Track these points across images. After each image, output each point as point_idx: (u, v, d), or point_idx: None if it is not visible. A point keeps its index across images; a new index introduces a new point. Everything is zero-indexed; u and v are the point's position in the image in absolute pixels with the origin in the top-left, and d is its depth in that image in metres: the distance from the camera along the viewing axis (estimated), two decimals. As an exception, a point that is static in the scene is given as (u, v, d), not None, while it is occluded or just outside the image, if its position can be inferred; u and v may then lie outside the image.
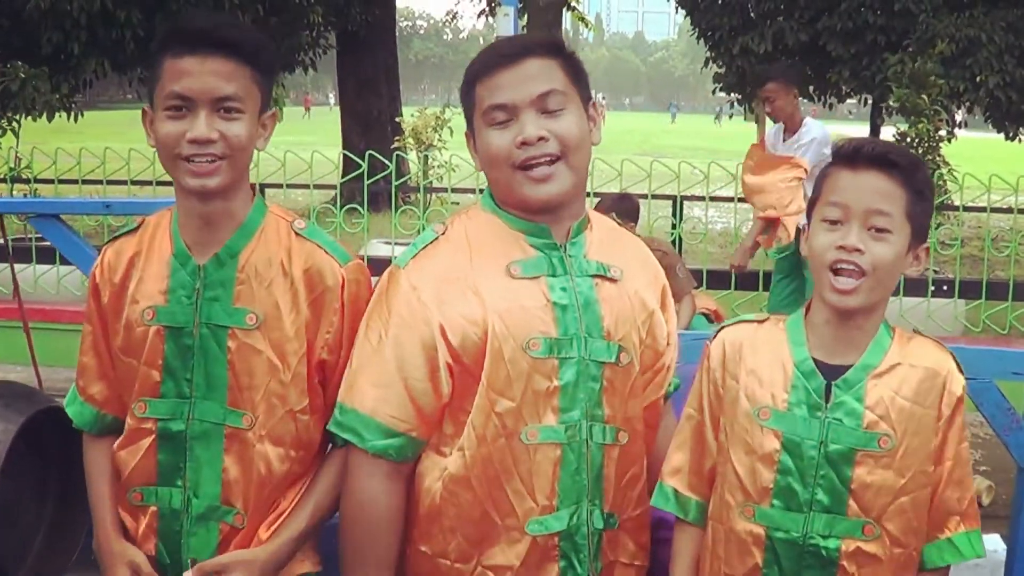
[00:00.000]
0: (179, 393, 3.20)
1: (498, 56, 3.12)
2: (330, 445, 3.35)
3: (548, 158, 3.04)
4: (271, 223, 3.27)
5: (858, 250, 2.93)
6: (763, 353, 3.14)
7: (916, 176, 3.00)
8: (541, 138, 3.03)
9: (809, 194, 3.20)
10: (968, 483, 3.15)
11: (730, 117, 31.19)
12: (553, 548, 3.12)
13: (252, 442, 3.20)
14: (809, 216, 3.10)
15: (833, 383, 3.04)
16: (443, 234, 3.20)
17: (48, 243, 5.38)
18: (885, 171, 2.96)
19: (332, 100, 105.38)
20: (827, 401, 3.03)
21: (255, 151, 3.23)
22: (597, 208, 8.30)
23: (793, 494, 3.03)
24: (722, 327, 3.29)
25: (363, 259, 3.40)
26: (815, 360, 3.08)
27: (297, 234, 3.27)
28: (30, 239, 12.12)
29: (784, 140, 9.69)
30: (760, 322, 3.23)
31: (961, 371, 3.11)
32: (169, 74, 3.08)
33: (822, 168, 3.13)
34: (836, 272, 2.96)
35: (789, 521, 3.03)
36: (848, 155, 3.01)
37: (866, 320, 3.05)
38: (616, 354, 3.14)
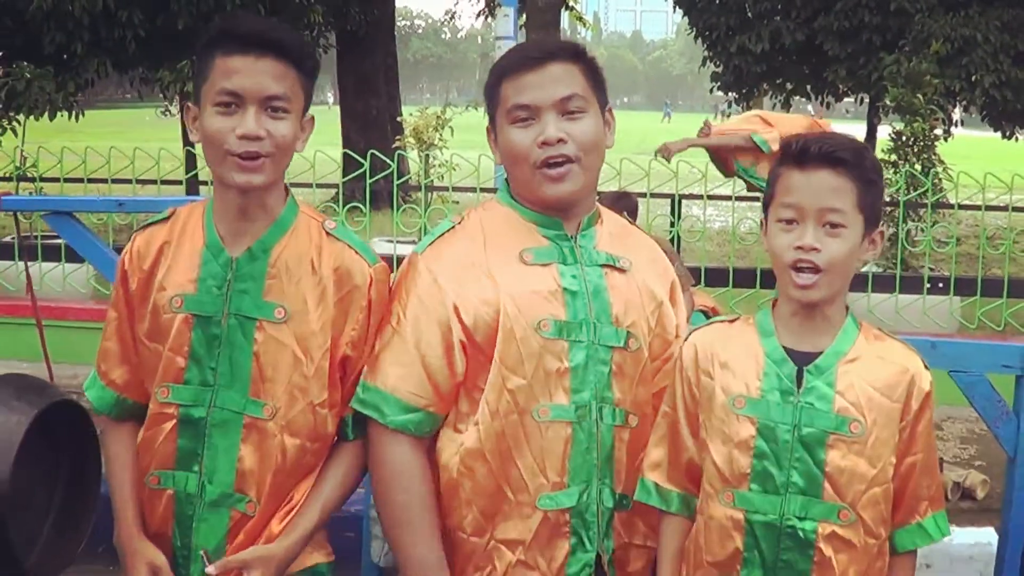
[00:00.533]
0: (203, 380, 3.27)
1: (524, 57, 3.27)
2: (337, 438, 3.43)
3: (565, 158, 3.19)
4: (303, 222, 3.37)
5: (815, 248, 3.06)
6: (735, 346, 3.26)
7: (863, 166, 3.12)
8: (560, 139, 3.19)
9: None
10: (935, 470, 3.30)
11: (727, 116, 31.19)
12: (564, 524, 3.23)
13: (272, 432, 3.27)
14: (765, 213, 3.23)
15: (805, 368, 3.16)
16: (459, 224, 3.35)
17: (54, 241, 5.45)
18: (833, 168, 3.08)
19: (331, 99, 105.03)
20: (799, 386, 3.15)
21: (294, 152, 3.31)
22: (595, 206, 8.37)
23: (769, 477, 3.13)
24: (692, 330, 3.40)
25: (388, 267, 3.49)
26: (785, 348, 3.20)
27: (328, 233, 3.37)
28: (36, 237, 12.15)
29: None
30: (731, 321, 3.37)
31: (927, 368, 3.26)
32: (220, 71, 3.16)
33: (773, 167, 3.25)
34: (797, 269, 3.09)
35: (767, 504, 3.14)
36: (796, 155, 3.12)
37: (829, 308, 3.19)
38: (625, 339, 3.27)
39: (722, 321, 3.39)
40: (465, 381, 3.24)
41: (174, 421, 3.31)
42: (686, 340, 3.35)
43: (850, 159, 3.09)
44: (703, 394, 3.26)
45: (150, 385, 3.36)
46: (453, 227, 3.36)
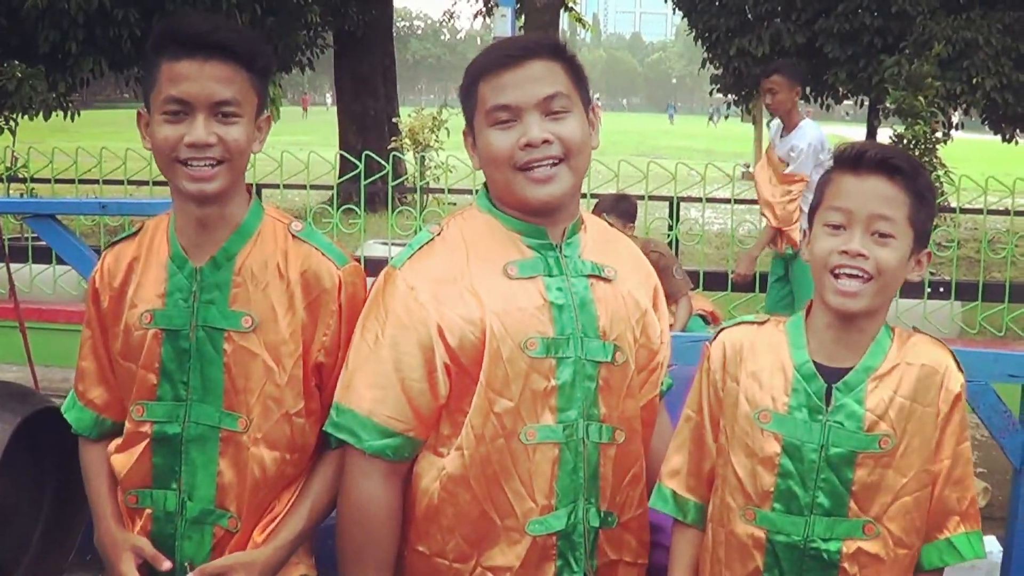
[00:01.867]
0: (175, 396, 3.19)
1: (503, 56, 3.10)
2: (320, 446, 3.34)
3: (551, 160, 3.04)
4: (268, 225, 3.26)
5: (861, 255, 2.92)
6: (763, 355, 3.13)
7: (918, 181, 2.98)
8: (545, 141, 3.03)
9: (810, 200, 3.18)
10: (969, 483, 3.13)
11: (726, 118, 31.16)
12: (551, 547, 3.11)
13: (247, 445, 3.19)
14: (811, 221, 3.09)
15: (834, 386, 3.03)
16: (439, 235, 3.19)
17: (44, 243, 5.38)
18: (888, 176, 2.94)
19: (330, 100, 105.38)
20: (827, 404, 3.02)
21: (251, 154, 3.23)
22: (595, 209, 8.32)
23: (794, 497, 3.02)
24: (722, 328, 3.28)
25: (359, 260, 3.39)
26: (815, 363, 3.06)
27: (294, 236, 3.26)
28: (26, 239, 12.11)
29: (781, 136, 9.70)
30: (760, 324, 3.22)
31: (960, 369, 3.09)
32: (166, 78, 3.06)
33: (824, 173, 3.11)
34: (837, 276, 2.94)
35: (790, 524, 3.03)
36: (851, 160, 2.99)
37: (868, 323, 3.03)
38: (612, 353, 3.14)
39: (751, 322, 3.25)
40: (448, 403, 3.10)
41: (148, 440, 3.23)
42: (714, 339, 3.24)
43: (906, 169, 2.96)
44: (727, 398, 3.15)
45: (128, 404, 3.28)
46: (432, 239, 3.19)
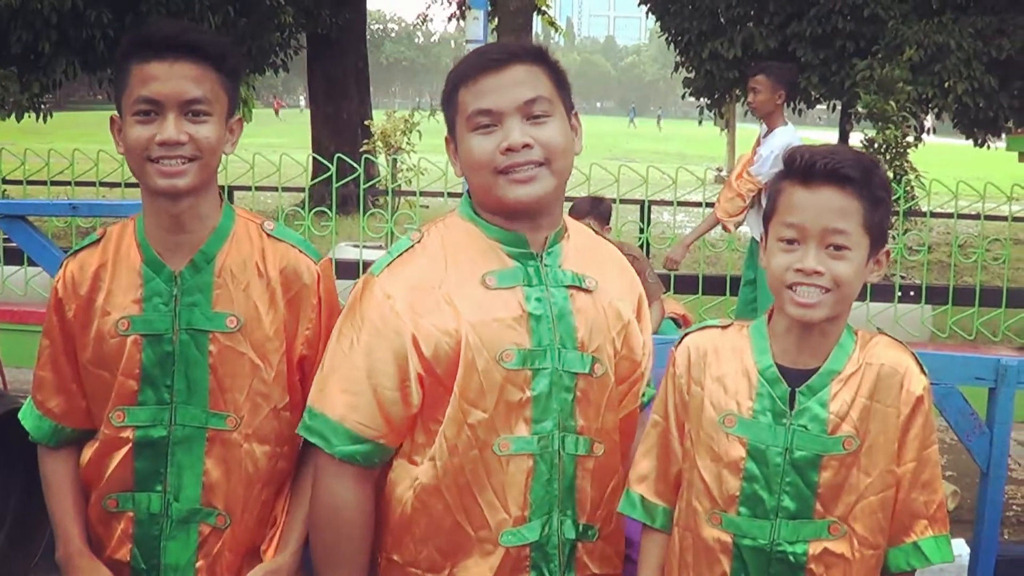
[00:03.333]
0: (159, 400, 3.21)
1: (484, 61, 3.10)
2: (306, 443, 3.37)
3: (532, 164, 3.04)
4: (241, 226, 3.30)
5: (817, 272, 2.91)
6: (727, 360, 3.13)
7: (871, 184, 2.96)
8: (526, 145, 3.02)
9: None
10: (937, 487, 3.13)
11: (700, 123, 31.26)
12: (525, 559, 3.12)
13: (238, 442, 3.24)
14: (766, 228, 3.08)
15: (797, 390, 3.03)
16: (419, 242, 3.18)
17: (16, 244, 5.37)
18: (839, 186, 2.92)
19: (303, 102, 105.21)
20: (791, 408, 3.02)
21: (223, 155, 3.25)
22: (571, 211, 8.33)
23: (759, 501, 3.03)
24: (687, 333, 3.28)
25: (331, 261, 3.41)
26: (779, 366, 3.07)
27: (268, 235, 3.31)
28: (-2, 240, 12.07)
29: (764, 137, 9.72)
30: (724, 328, 3.22)
31: (924, 372, 3.10)
32: (137, 79, 3.10)
33: (775, 181, 3.09)
34: (794, 289, 2.94)
35: (756, 528, 3.03)
36: (801, 172, 2.97)
37: (829, 327, 3.04)
38: (590, 365, 3.14)
39: (715, 327, 3.24)
40: (422, 412, 3.10)
41: (130, 445, 3.24)
42: (679, 344, 3.24)
43: (858, 177, 2.93)
44: (692, 402, 3.15)
45: (98, 411, 3.29)
46: (412, 246, 3.18)
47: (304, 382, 3.32)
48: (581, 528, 3.19)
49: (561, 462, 3.12)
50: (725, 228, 9.83)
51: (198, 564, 3.27)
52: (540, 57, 3.15)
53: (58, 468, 3.38)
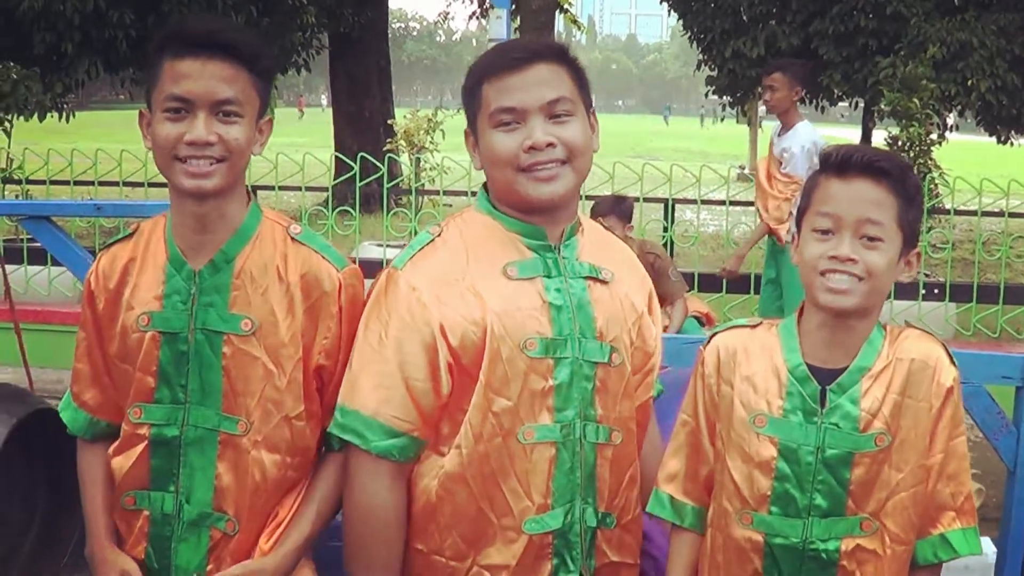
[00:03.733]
0: (174, 399, 3.20)
1: (508, 59, 3.13)
2: (323, 449, 3.36)
3: (554, 163, 3.07)
4: (267, 228, 3.28)
5: (851, 259, 2.92)
6: (757, 359, 3.13)
7: (906, 182, 2.99)
8: (549, 144, 3.06)
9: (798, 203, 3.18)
10: (964, 479, 3.14)
11: (721, 120, 31.14)
12: (547, 546, 3.13)
13: (246, 448, 3.20)
14: (799, 224, 3.09)
15: (828, 388, 3.03)
16: (439, 236, 3.20)
17: (40, 244, 5.38)
18: (875, 179, 2.95)
19: (325, 101, 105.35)
20: (822, 406, 3.02)
21: (251, 155, 3.23)
22: (594, 210, 8.33)
23: (791, 500, 3.03)
24: (715, 332, 3.28)
25: (355, 261, 3.40)
26: (808, 365, 3.07)
27: (293, 239, 3.28)
28: (21, 240, 12.09)
29: (779, 135, 9.71)
30: (753, 327, 3.22)
31: (953, 362, 3.10)
32: (169, 76, 3.08)
33: (810, 176, 3.11)
34: (826, 275, 2.95)
35: (788, 527, 3.04)
36: (837, 164, 2.99)
37: (860, 323, 3.04)
38: (608, 354, 3.17)
39: (744, 326, 3.25)
40: (448, 403, 3.12)
41: (146, 442, 3.23)
42: (707, 344, 3.25)
43: (894, 172, 2.97)
44: (722, 402, 3.16)
45: (125, 406, 3.28)
46: (432, 240, 3.20)
47: (322, 392, 3.30)
48: (600, 516, 3.21)
49: (582, 450, 3.14)
50: (777, 237, 9.66)
51: (208, 568, 3.25)
52: (562, 56, 3.18)
53: (92, 462, 3.38)
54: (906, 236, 3.00)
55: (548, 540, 3.13)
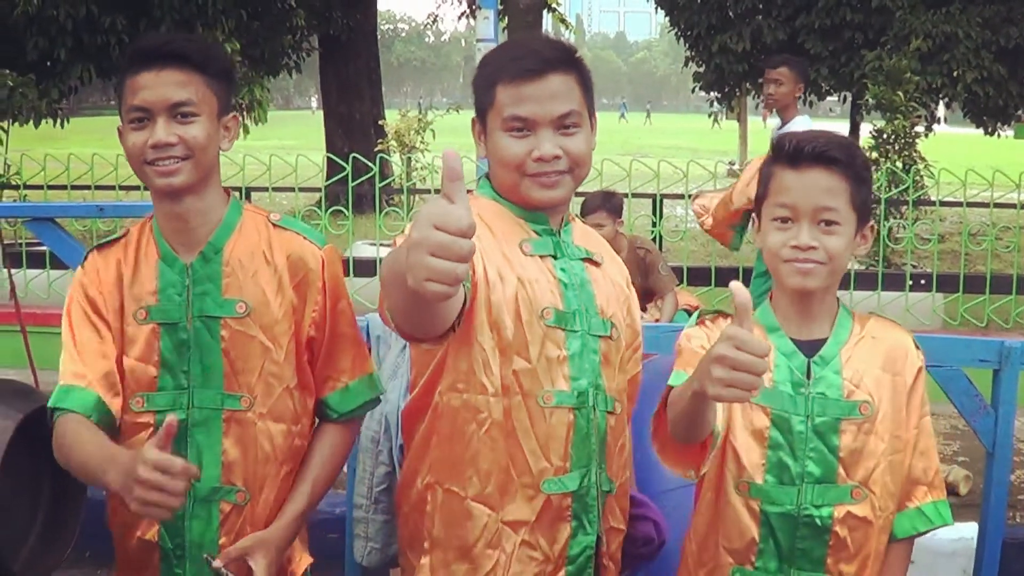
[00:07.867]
0: (177, 385, 3.35)
1: (523, 69, 3.21)
2: (317, 420, 3.54)
3: (558, 172, 3.22)
4: (248, 219, 3.47)
5: (812, 247, 3.13)
6: None
7: (855, 165, 3.19)
8: (556, 156, 3.19)
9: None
10: (932, 455, 3.34)
11: (712, 116, 31.17)
12: (566, 508, 3.25)
13: (252, 421, 3.36)
14: (758, 211, 3.28)
15: (811, 360, 3.23)
16: None
17: (38, 248, 5.48)
18: (826, 167, 3.14)
19: (315, 104, 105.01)
20: (808, 378, 3.21)
21: (221, 152, 3.43)
22: (584, 206, 8.42)
23: (785, 468, 3.19)
24: (702, 313, 3.42)
25: (348, 260, 3.51)
26: (792, 340, 3.26)
27: (275, 225, 3.48)
28: (20, 244, 12.16)
29: (779, 130, 9.81)
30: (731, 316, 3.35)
31: (917, 347, 3.34)
32: (130, 91, 3.30)
33: (765, 165, 3.29)
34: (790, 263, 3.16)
35: (783, 495, 3.20)
36: (789, 156, 3.18)
37: (825, 296, 3.26)
38: (610, 329, 3.33)
39: (727, 315, 3.37)
40: (463, 324, 3.01)
41: (151, 429, 3.34)
42: (700, 322, 3.37)
43: (843, 158, 3.15)
44: None
45: (125, 399, 3.37)
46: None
47: (312, 363, 3.48)
48: (610, 482, 3.36)
49: (596, 418, 3.27)
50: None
51: (221, 541, 3.37)
52: (573, 63, 3.28)
53: (83, 425, 3.24)
54: (860, 214, 3.20)
55: (567, 503, 3.24)
